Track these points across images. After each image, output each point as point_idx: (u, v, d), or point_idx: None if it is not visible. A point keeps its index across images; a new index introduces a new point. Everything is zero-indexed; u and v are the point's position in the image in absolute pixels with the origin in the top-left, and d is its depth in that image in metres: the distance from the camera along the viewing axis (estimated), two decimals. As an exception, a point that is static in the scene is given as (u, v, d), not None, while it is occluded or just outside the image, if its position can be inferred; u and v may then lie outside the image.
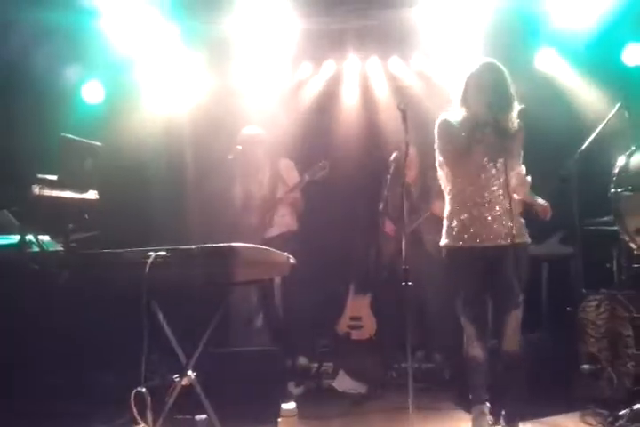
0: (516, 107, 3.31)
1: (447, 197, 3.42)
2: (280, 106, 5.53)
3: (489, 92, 3.25)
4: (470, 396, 3.34)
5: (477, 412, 3.31)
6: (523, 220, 3.39)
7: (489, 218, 3.28)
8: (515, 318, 3.26)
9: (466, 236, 3.30)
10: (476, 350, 3.29)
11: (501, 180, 3.28)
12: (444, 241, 3.40)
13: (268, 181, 4.90)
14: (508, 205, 3.24)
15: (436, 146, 3.41)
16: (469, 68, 3.37)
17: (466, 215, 3.32)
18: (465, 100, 3.35)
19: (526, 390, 3.28)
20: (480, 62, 3.36)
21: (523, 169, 3.35)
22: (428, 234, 4.67)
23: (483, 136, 3.27)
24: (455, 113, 3.40)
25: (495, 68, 3.33)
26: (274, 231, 4.83)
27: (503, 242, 3.26)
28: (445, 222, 3.40)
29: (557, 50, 5.11)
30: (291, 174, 4.93)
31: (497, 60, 4.79)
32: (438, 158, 3.43)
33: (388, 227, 4.90)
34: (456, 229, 3.34)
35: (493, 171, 3.29)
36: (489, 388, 3.33)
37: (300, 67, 5.61)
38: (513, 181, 3.27)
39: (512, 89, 3.31)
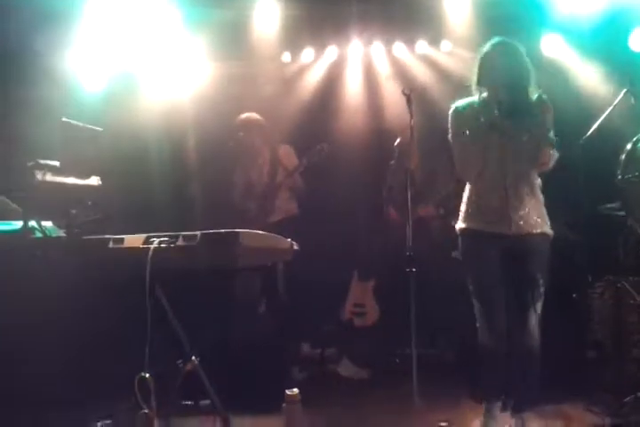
0: (534, 86, 3.15)
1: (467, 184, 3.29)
2: (282, 92, 5.49)
3: (502, 72, 3.11)
4: (482, 389, 3.24)
5: (486, 411, 3.20)
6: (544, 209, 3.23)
7: (504, 205, 3.13)
8: (536, 311, 3.15)
9: (480, 220, 3.19)
10: (489, 341, 3.16)
11: (517, 165, 3.13)
12: (459, 225, 3.27)
13: (268, 167, 4.91)
14: (524, 192, 3.14)
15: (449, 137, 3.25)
16: (483, 48, 3.22)
17: (481, 201, 3.20)
18: (479, 82, 3.20)
19: (538, 383, 3.19)
20: (493, 42, 3.20)
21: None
22: (434, 220, 4.66)
23: (496, 119, 3.10)
24: (470, 97, 3.26)
25: (508, 46, 3.17)
26: (275, 216, 4.84)
27: (519, 231, 3.12)
28: (462, 208, 3.28)
29: (563, 35, 5.06)
30: (291, 160, 4.94)
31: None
32: (454, 149, 3.24)
33: (393, 213, 4.88)
34: (471, 213, 3.22)
35: (508, 155, 3.13)
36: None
37: (303, 52, 5.57)
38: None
39: (529, 67, 3.15)
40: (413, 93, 3.43)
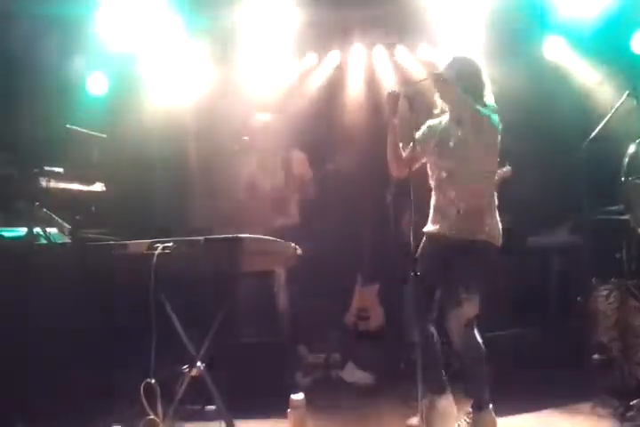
0: (482, 104, 3.28)
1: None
2: (285, 97, 5.49)
3: (445, 93, 3.32)
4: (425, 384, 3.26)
5: (429, 404, 3.31)
6: (493, 218, 3.33)
7: (450, 212, 3.33)
8: (454, 317, 3.23)
9: (433, 225, 3.41)
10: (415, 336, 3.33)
11: (458, 177, 3.31)
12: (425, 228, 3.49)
13: (280, 169, 4.88)
14: (464, 202, 3.29)
15: None
16: (441, 65, 3.44)
17: (435, 207, 3.41)
18: (441, 97, 3.41)
19: (483, 381, 3.25)
20: (450, 59, 3.41)
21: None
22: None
23: (443, 135, 3.37)
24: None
25: (456, 64, 3.36)
26: (281, 221, 4.82)
27: (459, 236, 3.29)
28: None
29: (565, 38, 5.05)
30: (302, 167, 4.90)
31: (504, 49, 4.83)
32: None
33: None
34: (430, 217, 3.44)
35: (448, 167, 3.34)
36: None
37: (305, 57, 5.57)
38: None
39: (481, 81, 3.33)
40: (416, 97, 3.43)
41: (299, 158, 4.93)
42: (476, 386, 3.28)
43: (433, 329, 3.36)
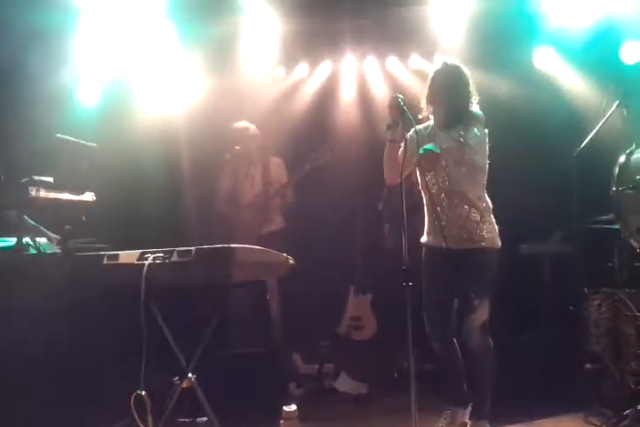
0: (471, 111, 3.32)
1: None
2: (277, 107, 5.50)
3: (444, 90, 3.32)
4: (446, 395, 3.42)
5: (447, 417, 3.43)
6: (488, 225, 3.34)
7: (444, 221, 3.32)
8: (471, 322, 3.28)
9: (432, 236, 3.41)
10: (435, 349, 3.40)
11: (453, 184, 3.30)
12: (422, 239, 3.48)
13: (260, 177, 4.91)
14: (461, 209, 3.29)
15: None
16: (434, 68, 3.46)
17: (431, 216, 3.40)
18: (428, 99, 3.42)
19: (489, 388, 3.29)
20: (441, 63, 3.42)
21: None
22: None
23: (428, 141, 3.31)
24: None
25: (452, 68, 3.37)
26: (268, 227, 4.82)
27: (457, 246, 3.31)
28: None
29: (555, 48, 5.08)
30: (279, 173, 4.95)
31: (495, 59, 4.86)
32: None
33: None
34: (427, 228, 3.44)
35: (441, 176, 3.32)
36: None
37: (297, 67, 5.59)
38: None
39: (469, 88, 3.33)
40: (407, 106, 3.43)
41: (275, 163, 4.97)
42: (481, 395, 3.29)
43: (455, 341, 3.39)
